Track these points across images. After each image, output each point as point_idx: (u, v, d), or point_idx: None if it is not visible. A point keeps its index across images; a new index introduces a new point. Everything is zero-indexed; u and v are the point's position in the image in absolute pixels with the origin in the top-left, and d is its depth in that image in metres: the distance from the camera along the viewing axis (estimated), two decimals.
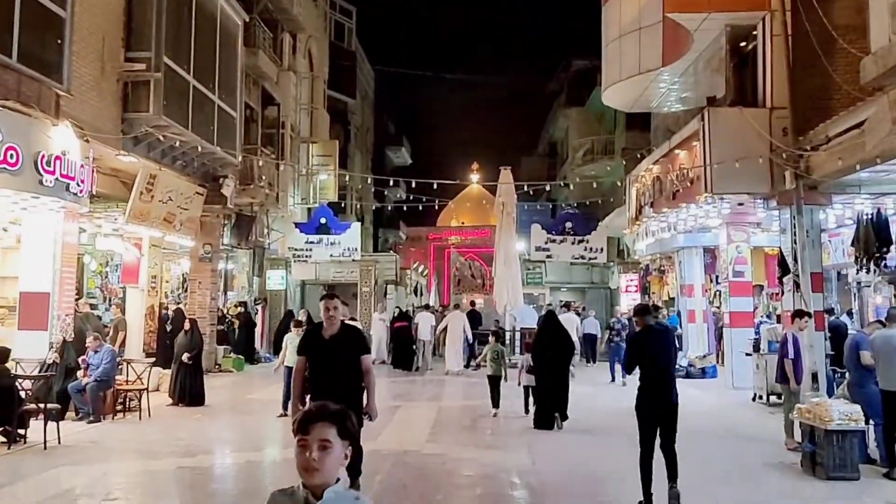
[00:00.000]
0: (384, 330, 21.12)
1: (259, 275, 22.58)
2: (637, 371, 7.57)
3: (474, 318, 22.76)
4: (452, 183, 22.14)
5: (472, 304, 24.92)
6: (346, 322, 7.22)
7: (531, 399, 12.58)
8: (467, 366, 20.45)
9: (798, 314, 11.24)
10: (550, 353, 11.81)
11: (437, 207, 26.11)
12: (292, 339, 11.92)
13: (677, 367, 17.42)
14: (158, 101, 12.57)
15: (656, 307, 17.12)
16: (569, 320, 17.35)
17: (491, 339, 13.44)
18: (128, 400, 12.40)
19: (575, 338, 15.71)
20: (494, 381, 12.83)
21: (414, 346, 20.59)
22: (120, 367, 12.60)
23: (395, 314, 22.50)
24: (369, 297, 25.55)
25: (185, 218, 15.72)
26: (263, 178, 20.04)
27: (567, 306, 21.25)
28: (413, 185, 20.01)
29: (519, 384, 12.86)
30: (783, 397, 11.04)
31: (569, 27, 66.59)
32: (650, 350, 7.40)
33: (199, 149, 14.75)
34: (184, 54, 13.68)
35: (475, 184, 44.26)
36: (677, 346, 12.86)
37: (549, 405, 11.72)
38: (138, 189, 13.37)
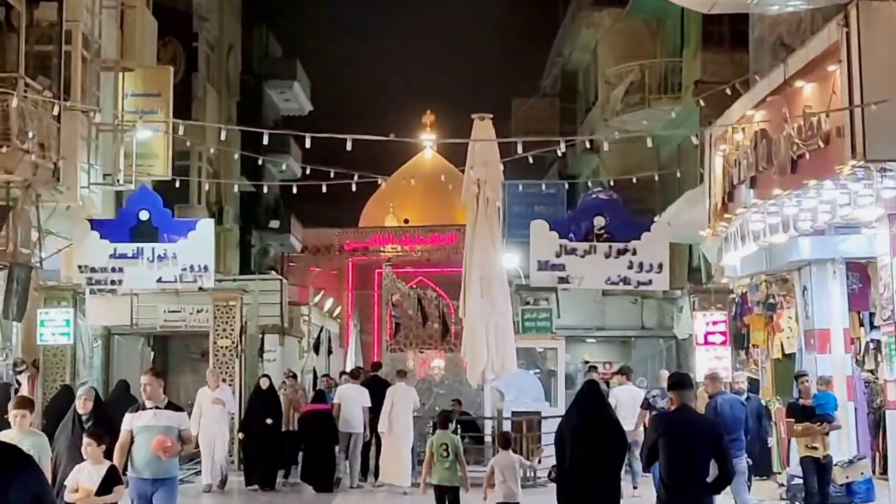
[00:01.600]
0: (221, 420, 16.24)
1: (17, 317, 17.10)
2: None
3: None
4: (383, 142, 16.16)
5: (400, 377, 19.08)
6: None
7: None
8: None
9: None
10: (585, 452, 9.11)
11: (356, 192, 19.81)
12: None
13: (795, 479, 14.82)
14: None
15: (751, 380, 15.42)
16: (630, 398, 15.49)
17: (433, 426, 12.53)
18: None
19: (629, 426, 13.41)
20: (445, 497, 11.05)
21: (336, 447, 16.67)
22: None
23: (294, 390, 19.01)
24: (232, 357, 19.20)
25: None
26: (30, 133, 16.23)
27: (593, 368, 19.14)
28: (310, 146, 14.99)
29: None
30: None
31: None
32: (682, 444, 7.00)
33: None
34: None
35: (428, 147, 36.53)
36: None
37: None
38: None
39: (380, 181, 18.90)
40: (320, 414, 16.64)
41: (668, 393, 7.33)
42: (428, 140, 33.88)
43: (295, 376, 18.64)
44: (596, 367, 19.02)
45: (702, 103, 18.24)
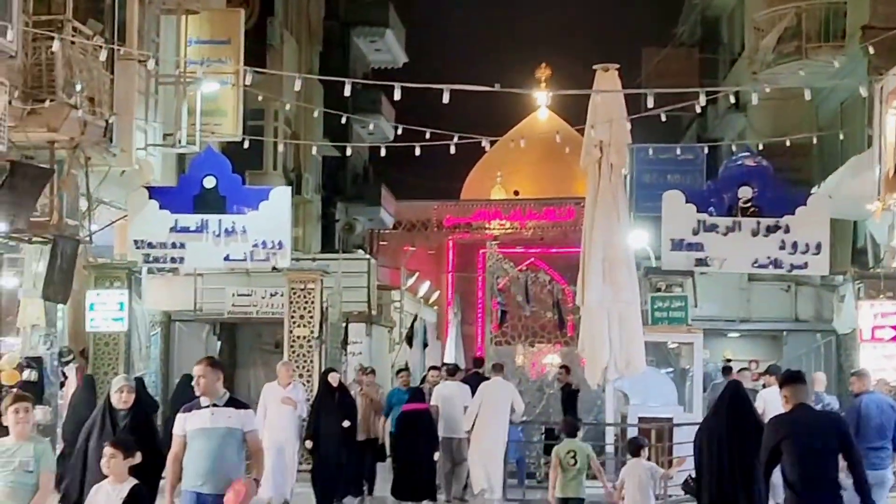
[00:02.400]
0: (291, 424, 14.39)
1: (56, 297, 15.74)
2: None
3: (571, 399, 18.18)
4: (495, 92, 15.69)
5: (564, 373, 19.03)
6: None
7: None
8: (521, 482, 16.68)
9: None
10: (729, 462, 9.69)
11: (458, 158, 19.66)
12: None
13: None
14: None
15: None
16: (771, 400, 12.87)
17: (561, 434, 11.99)
18: None
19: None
20: None
21: (436, 454, 15.05)
22: None
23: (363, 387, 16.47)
24: (311, 349, 17.88)
25: None
26: (78, 86, 14.90)
27: (727, 370, 17.37)
28: (404, 103, 15.05)
29: None
30: None
31: None
32: (806, 444, 7.26)
33: None
34: None
35: (543, 104, 34.70)
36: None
37: None
38: None
39: (484, 143, 18.05)
40: (420, 414, 15.15)
41: (782, 391, 7.80)
42: (542, 96, 32.76)
43: (373, 372, 17.05)
44: (731, 368, 17.74)
45: (871, 51, 16.99)
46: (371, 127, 28.39)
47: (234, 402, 8.19)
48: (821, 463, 7.23)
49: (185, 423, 8.01)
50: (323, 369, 16.63)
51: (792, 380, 7.62)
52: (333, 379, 14.47)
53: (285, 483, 14.14)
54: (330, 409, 14.49)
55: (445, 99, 12.88)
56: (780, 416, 7.48)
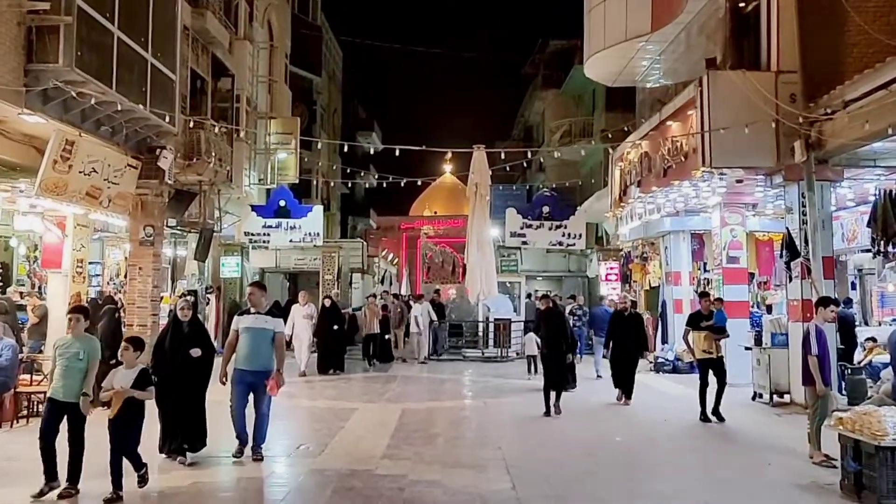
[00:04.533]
0: (307, 329, 17.44)
1: (202, 259, 20.69)
2: None
3: (439, 309, 22.34)
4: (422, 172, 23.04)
5: (437, 295, 23.93)
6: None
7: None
8: (433, 354, 20.60)
9: (823, 302, 9.66)
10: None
11: (410, 196, 28.09)
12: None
13: (663, 359, 17.91)
14: (70, 51, 10.61)
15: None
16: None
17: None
18: (33, 404, 10.43)
19: None
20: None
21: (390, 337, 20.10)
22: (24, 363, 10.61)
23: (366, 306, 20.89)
24: (332, 284, 24.02)
25: (114, 193, 13.75)
26: (214, 153, 18.50)
27: (545, 297, 20.58)
28: (382, 160, 19.93)
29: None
30: (809, 401, 9.34)
31: (546, 3, 64.09)
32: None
33: (127, 112, 12.86)
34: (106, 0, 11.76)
35: (449, 174, 44.03)
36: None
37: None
38: (51, 156, 11.45)
39: (419, 183, 24.77)
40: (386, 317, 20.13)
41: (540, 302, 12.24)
42: (447, 169, 42.46)
43: (374, 296, 20.78)
44: (547, 295, 20.46)
45: (604, 144, 22.18)
46: (366, 183, 34.90)
47: (270, 313, 8.84)
48: (554, 332, 11.86)
49: (238, 323, 8.69)
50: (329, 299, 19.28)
51: (545, 297, 12.41)
52: (326, 302, 18.05)
53: (304, 361, 17.13)
54: (325, 319, 17.71)
55: (397, 154, 14.73)
56: (539, 311, 11.30)
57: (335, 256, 24.55)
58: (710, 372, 11.99)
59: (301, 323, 17.05)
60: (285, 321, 11.39)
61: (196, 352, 8.27)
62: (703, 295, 13.28)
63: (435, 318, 20.54)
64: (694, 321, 12.46)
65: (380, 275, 32.72)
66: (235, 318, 8.77)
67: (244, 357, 8.54)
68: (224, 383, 8.57)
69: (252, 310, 8.71)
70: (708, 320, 12.35)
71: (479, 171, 19.13)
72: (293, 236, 23.60)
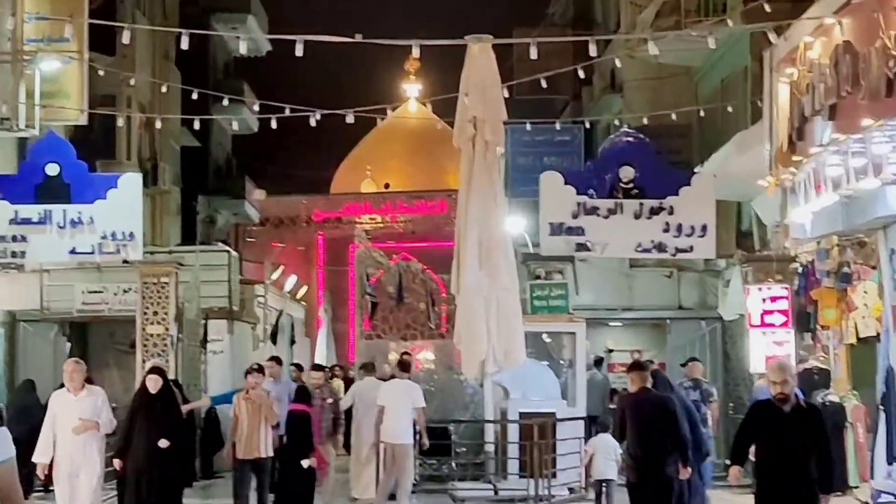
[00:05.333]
0: (89, 443, 11.50)
1: None
2: None
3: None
4: (365, 82, 19.78)
5: (404, 358, 16.51)
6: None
7: None
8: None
9: None
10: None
11: (327, 151, 22.12)
12: None
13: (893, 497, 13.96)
14: None
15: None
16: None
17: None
18: None
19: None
20: None
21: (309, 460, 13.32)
22: None
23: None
24: (162, 345, 17.30)
25: None
26: None
27: (637, 367, 14.00)
28: (274, 95, 15.57)
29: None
30: None
31: None
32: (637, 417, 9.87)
33: None
34: None
35: (413, 98, 34.41)
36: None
37: None
38: None
39: (349, 119, 17.17)
40: (306, 418, 13.57)
41: (629, 375, 9.96)
42: (412, 88, 32.22)
43: (261, 370, 14.50)
44: (603, 359, 18.62)
45: (760, 26, 15.66)
46: (234, 123, 26.68)
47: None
48: (654, 436, 9.49)
49: None
50: (179, 370, 15.46)
51: (635, 368, 10.08)
52: (152, 383, 11.72)
53: None
54: (146, 420, 11.80)
55: (299, 52, 11.28)
56: (623, 395, 8.92)
57: (169, 284, 17.82)
58: None
59: (72, 433, 11.40)
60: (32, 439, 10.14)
61: None
62: None
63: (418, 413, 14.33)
64: None
65: (269, 320, 24.04)
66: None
67: None
68: None
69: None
70: None
71: (481, 90, 14.56)
72: (77, 242, 16.68)
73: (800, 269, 16.45)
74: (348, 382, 18.86)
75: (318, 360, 21.13)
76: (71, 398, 10.91)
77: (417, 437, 14.32)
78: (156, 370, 11.61)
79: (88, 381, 11.86)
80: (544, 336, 17.66)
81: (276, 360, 14.85)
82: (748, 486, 11.39)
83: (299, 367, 17.05)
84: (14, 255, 16.13)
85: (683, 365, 16.46)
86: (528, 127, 20.81)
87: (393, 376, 14.71)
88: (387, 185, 37.05)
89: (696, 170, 18.31)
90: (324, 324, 27.92)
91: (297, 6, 37.53)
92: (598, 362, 17.76)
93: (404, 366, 14.62)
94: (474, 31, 14.86)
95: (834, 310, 15.43)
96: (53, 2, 16.91)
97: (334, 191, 38.44)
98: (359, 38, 13.07)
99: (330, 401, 14.58)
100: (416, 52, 14.48)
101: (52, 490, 11.35)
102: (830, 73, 12.69)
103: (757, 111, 16.42)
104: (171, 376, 15.22)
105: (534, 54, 12.94)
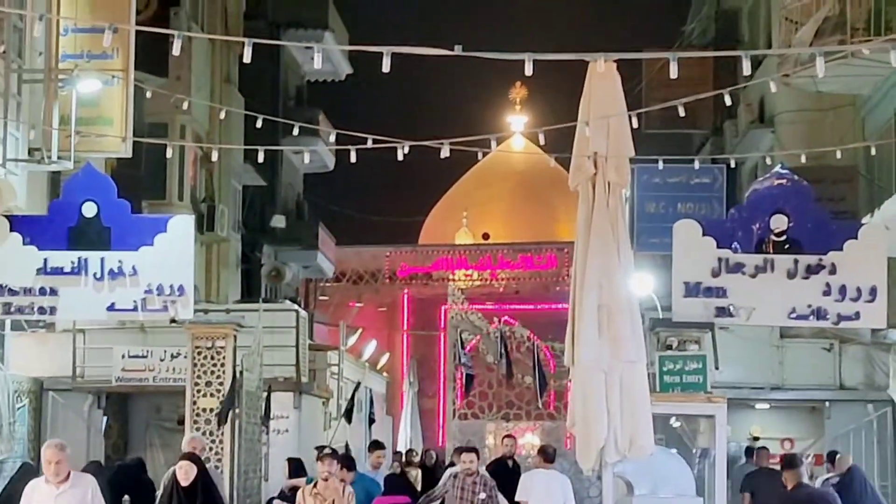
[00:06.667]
0: None
1: None
2: None
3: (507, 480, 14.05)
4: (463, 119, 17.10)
5: (544, 447, 15.50)
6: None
7: None
8: None
9: None
10: None
11: (416, 195, 20.62)
12: None
13: None
14: None
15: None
16: None
17: None
18: None
19: None
20: None
21: None
22: None
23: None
24: (213, 421, 15.20)
25: None
26: None
27: (750, 451, 16.43)
28: (352, 125, 13.18)
29: None
30: None
31: None
32: None
33: None
34: None
35: (519, 133, 30.57)
36: None
37: None
38: None
39: (444, 153, 14.60)
40: None
41: (783, 474, 10.56)
42: (515, 125, 29.77)
43: (334, 455, 13.47)
44: (797, 460, 15.37)
45: None
46: (307, 158, 24.89)
47: None
48: None
49: None
50: (236, 452, 13.69)
51: (789, 465, 10.60)
52: (184, 474, 10.31)
53: None
54: None
55: (385, 67, 9.08)
56: (783, 493, 9.82)
57: (225, 350, 15.74)
58: None
59: None
60: None
61: None
62: None
63: None
64: None
65: (344, 394, 21.22)
66: None
67: None
68: None
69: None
70: None
71: (603, 120, 11.76)
72: (116, 297, 14.65)
73: None
74: (427, 472, 16.96)
75: (402, 443, 19.44)
76: (52, 490, 9.33)
77: None
78: (188, 456, 9.87)
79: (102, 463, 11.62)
80: (672, 420, 15.87)
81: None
82: None
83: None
84: (42, 311, 14.43)
85: (830, 459, 15.19)
86: (660, 166, 18.61)
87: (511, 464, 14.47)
88: (486, 236, 34.76)
89: (863, 220, 17.21)
90: (408, 397, 26.29)
91: (384, 25, 34.48)
92: (749, 452, 16.00)
93: (547, 455, 13.86)
94: (596, 43, 13.07)
95: None
96: (94, 10, 15.48)
97: (423, 241, 36.29)
98: (458, 50, 10.99)
99: (482, 496, 12.87)
100: (528, 69, 12.75)
101: None
102: None
103: None
104: (224, 460, 13.89)
105: (674, 72, 10.59)
